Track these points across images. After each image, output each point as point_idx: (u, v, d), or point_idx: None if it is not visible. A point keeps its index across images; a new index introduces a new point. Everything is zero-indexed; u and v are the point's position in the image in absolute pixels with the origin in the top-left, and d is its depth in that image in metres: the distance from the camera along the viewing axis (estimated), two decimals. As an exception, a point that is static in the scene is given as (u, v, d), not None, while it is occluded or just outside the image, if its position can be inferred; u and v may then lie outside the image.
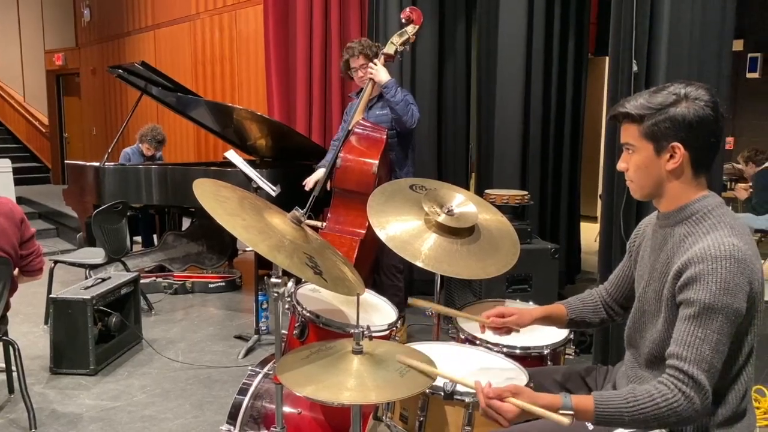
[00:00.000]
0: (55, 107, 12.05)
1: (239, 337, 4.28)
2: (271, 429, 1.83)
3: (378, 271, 3.94)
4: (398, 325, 2.15)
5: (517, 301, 2.52)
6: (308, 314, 2.05)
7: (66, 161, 7.01)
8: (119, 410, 3.22)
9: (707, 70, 3.24)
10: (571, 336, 2.25)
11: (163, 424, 3.07)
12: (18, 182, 10.40)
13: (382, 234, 2.25)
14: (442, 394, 1.70)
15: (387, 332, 2.08)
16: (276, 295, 1.78)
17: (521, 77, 4.49)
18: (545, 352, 2.14)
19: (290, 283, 1.88)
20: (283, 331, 2.27)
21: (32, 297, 4.78)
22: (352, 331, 1.59)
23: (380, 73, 3.66)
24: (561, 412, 1.45)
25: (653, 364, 1.62)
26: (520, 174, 4.59)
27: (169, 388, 3.49)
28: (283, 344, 2.17)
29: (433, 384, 1.65)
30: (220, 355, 4.00)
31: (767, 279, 1.72)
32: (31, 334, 4.31)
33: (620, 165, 1.63)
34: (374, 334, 2.02)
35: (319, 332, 2.02)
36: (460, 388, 1.70)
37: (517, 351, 2.13)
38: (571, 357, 2.28)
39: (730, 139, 7.79)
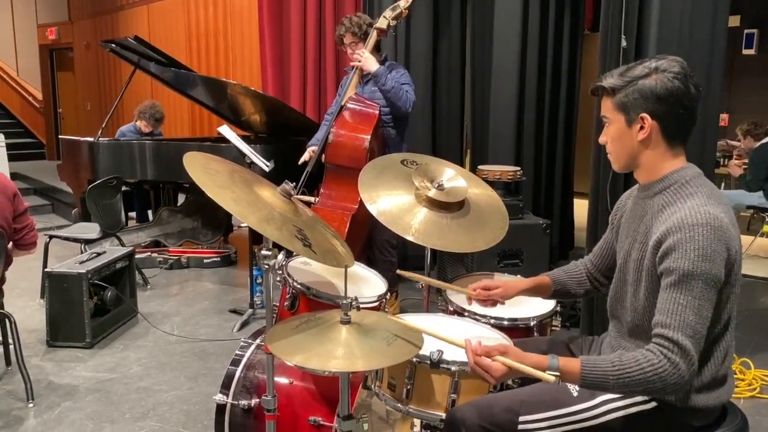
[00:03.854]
0: (49, 82, 11.97)
1: (234, 311, 4.32)
2: (263, 397, 1.87)
3: (371, 246, 3.97)
4: (387, 297, 2.18)
5: (505, 274, 2.55)
6: (299, 286, 2.09)
7: (60, 136, 6.99)
8: (115, 382, 3.27)
9: (699, 47, 3.24)
10: (558, 308, 2.30)
11: (158, 396, 3.12)
12: (13, 158, 10.37)
13: (373, 208, 2.28)
14: (429, 362, 1.74)
15: (376, 303, 2.11)
16: (266, 267, 1.80)
17: (516, 53, 4.49)
18: (532, 323, 2.18)
19: (280, 256, 1.91)
20: (275, 303, 2.30)
21: (28, 272, 4.81)
22: (341, 302, 1.62)
23: (368, 62, 3.66)
24: (548, 372, 1.49)
25: (636, 334, 1.66)
26: (514, 150, 4.61)
27: (164, 361, 3.53)
28: (274, 316, 2.21)
29: (420, 353, 1.69)
30: (215, 328, 4.05)
31: (747, 252, 1.75)
32: (28, 308, 4.35)
33: (601, 138, 1.68)
34: (363, 306, 2.07)
35: (310, 303, 2.06)
36: (446, 357, 1.75)
37: (505, 322, 2.17)
38: (557, 329, 2.33)
39: (725, 116, 7.79)
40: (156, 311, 4.33)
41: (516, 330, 2.17)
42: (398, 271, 2.19)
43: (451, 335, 1.67)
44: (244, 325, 4.04)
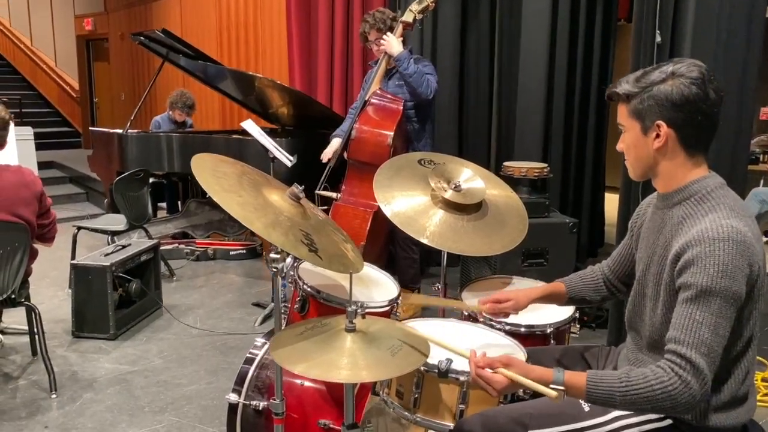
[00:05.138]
0: (85, 72, 12.17)
1: (257, 305, 4.34)
2: (271, 401, 1.86)
3: (393, 242, 3.94)
4: (399, 302, 2.14)
5: (524, 278, 2.49)
6: (308, 289, 2.06)
7: (90, 128, 7.10)
8: (136, 374, 3.31)
9: (736, 38, 3.11)
10: (576, 314, 2.23)
11: (178, 390, 3.15)
12: (50, 146, 10.63)
13: (388, 210, 2.24)
14: (437, 372, 1.71)
15: (387, 308, 2.08)
16: (275, 270, 1.78)
17: (546, 44, 4.37)
18: (548, 330, 2.13)
19: (289, 259, 1.88)
20: (287, 304, 2.29)
21: (58, 261, 4.91)
22: (347, 309, 1.59)
23: (393, 45, 3.60)
24: (552, 386, 1.44)
25: (655, 348, 1.59)
26: (542, 145, 4.50)
27: (185, 354, 3.56)
28: (283, 319, 2.20)
29: (429, 362, 1.66)
30: (237, 321, 4.07)
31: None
32: (56, 297, 4.43)
33: (618, 145, 1.62)
34: (373, 310, 2.04)
35: (320, 307, 2.03)
36: (455, 366, 1.71)
37: (522, 329, 2.11)
38: (575, 335, 2.27)
39: (766, 110, 7.50)
40: (180, 303, 4.38)
41: (532, 337, 2.12)
42: (402, 296, 2.14)
43: (457, 344, 1.63)
44: (266, 319, 4.05)
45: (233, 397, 2.23)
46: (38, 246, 3.14)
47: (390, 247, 4.00)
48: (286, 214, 1.71)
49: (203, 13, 8.37)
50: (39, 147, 10.63)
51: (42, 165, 9.27)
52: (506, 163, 3.95)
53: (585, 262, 5.08)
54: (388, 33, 3.65)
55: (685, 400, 1.38)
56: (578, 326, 2.25)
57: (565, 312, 2.21)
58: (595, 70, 4.92)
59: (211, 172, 1.69)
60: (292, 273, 2.13)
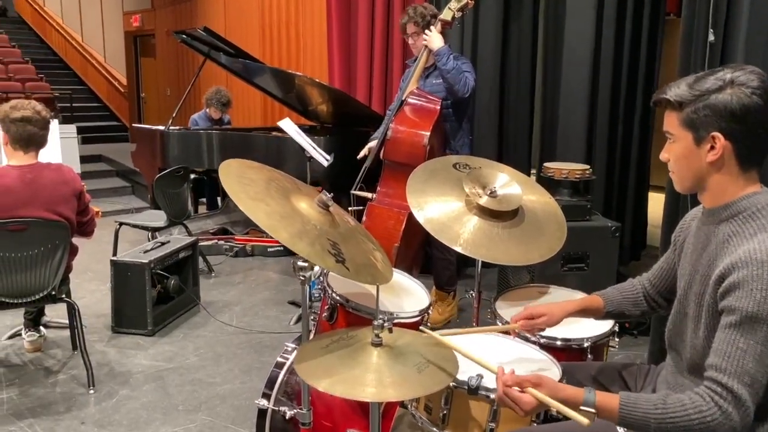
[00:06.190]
0: (133, 68, 12.42)
1: (293, 303, 4.34)
2: (297, 411, 1.83)
3: (429, 244, 3.89)
4: (430, 311, 2.09)
5: (562, 288, 2.41)
6: (337, 297, 2.03)
7: (132, 124, 7.22)
8: (172, 372, 3.34)
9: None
10: (616, 328, 2.14)
11: (211, 389, 3.17)
12: (98, 140, 10.90)
13: (420, 215, 2.19)
14: (467, 388, 1.65)
15: (417, 318, 2.03)
16: (302, 279, 1.75)
17: (591, 39, 4.23)
18: (586, 344, 2.05)
19: (317, 267, 1.85)
20: (317, 312, 2.26)
21: (102, 255, 5.00)
22: (373, 322, 1.55)
23: (434, 39, 3.54)
24: (582, 408, 1.37)
25: (697, 372, 1.50)
26: (585, 145, 4.37)
27: (220, 352, 3.59)
28: (311, 330, 2.17)
29: (458, 377, 1.60)
30: (273, 320, 4.08)
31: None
32: (99, 291, 4.51)
33: (662, 155, 1.51)
34: (402, 321, 1.99)
35: (348, 317, 2.00)
36: (485, 383, 1.65)
37: (558, 343, 2.04)
38: (615, 349, 2.18)
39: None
40: (218, 300, 4.41)
41: (568, 351, 2.04)
42: (422, 327, 2.04)
43: (486, 358, 1.57)
44: (301, 318, 4.04)
45: (263, 403, 2.22)
46: (79, 239, 3.20)
47: (426, 248, 3.94)
48: (314, 223, 1.68)
49: (247, 10, 8.43)
50: (87, 141, 10.99)
51: (90, 159, 9.53)
52: (547, 164, 3.85)
53: (627, 265, 4.94)
54: (431, 28, 3.59)
55: (724, 431, 1.29)
56: (617, 339, 2.15)
57: (604, 325, 2.13)
58: (641, 65, 4.75)
59: (238, 179, 1.67)
60: (321, 280, 2.10)
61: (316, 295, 4.21)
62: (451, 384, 1.65)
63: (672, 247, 1.71)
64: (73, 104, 11.49)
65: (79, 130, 11.08)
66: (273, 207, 1.63)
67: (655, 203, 5.69)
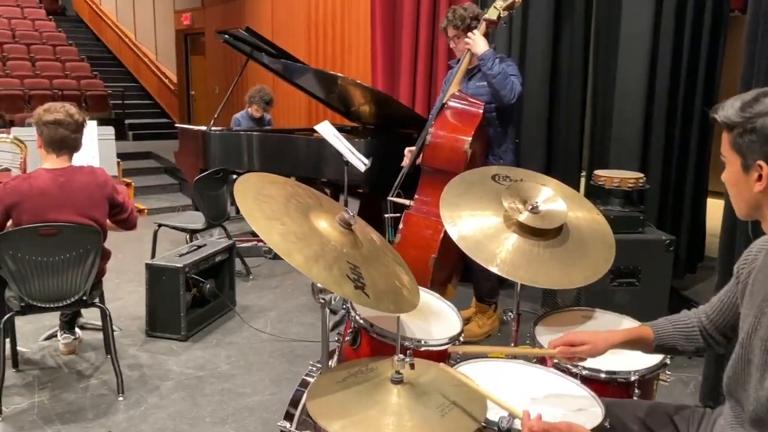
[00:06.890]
0: (183, 66, 12.58)
1: (330, 310, 4.23)
2: (316, 441, 1.72)
3: (469, 254, 3.72)
4: (461, 339, 1.94)
5: (608, 312, 2.21)
6: (361, 321, 1.90)
7: (176, 124, 7.26)
8: (202, 380, 3.28)
9: None
10: (667, 360, 1.94)
11: (241, 399, 3.09)
12: (149, 137, 11.09)
13: (454, 231, 2.05)
14: (497, 430, 1.50)
15: (446, 346, 1.88)
16: (322, 301, 1.63)
17: (648, 39, 3.97)
18: (632, 378, 1.86)
19: (338, 291, 1.72)
20: (340, 333, 2.14)
21: (141, 256, 4.99)
22: (394, 358, 1.41)
23: (478, 43, 3.36)
24: None
25: (761, 426, 1.32)
26: (640, 152, 4.11)
27: (252, 361, 3.51)
28: (332, 359, 2.05)
29: (488, 417, 1.46)
30: (307, 327, 3.99)
31: None
32: (137, 293, 4.50)
33: (723, 175, 1.36)
34: (429, 348, 1.85)
35: (372, 342, 1.86)
36: (517, 425, 1.50)
37: (602, 375, 1.87)
38: (666, 384, 1.98)
39: None
40: (253, 304, 4.35)
41: (613, 385, 1.86)
42: (450, 348, 1.90)
43: (511, 401, 1.42)
44: (335, 326, 3.94)
45: (285, 425, 2.12)
46: (119, 235, 3.17)
47: (466, 258, 3.77)
48: (334, 243, 1.56)
49: (293, 9, 8.40)
50: (138, 138, 11.20)
51: (140, 155, 9.70)
52: (597, 172, 3.63)
53: (682, 279, 4.65)
54: (474, 31, 3.42)
55: None
56: (668, 373, 1.96)
57: (655, 357, 1.93)
58: (701, 66, 4.45)
59: (254, 196, 1.56)
60: (346, 300, 1.98)
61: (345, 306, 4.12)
62: (480, 425, 1.50)
63: (735, 279, 1.51)
64: (125, 101, 11.72)
65: (130, 127, 11.36)
66: (289, 226, 1.51)
67: (715, 208, 5.36)
